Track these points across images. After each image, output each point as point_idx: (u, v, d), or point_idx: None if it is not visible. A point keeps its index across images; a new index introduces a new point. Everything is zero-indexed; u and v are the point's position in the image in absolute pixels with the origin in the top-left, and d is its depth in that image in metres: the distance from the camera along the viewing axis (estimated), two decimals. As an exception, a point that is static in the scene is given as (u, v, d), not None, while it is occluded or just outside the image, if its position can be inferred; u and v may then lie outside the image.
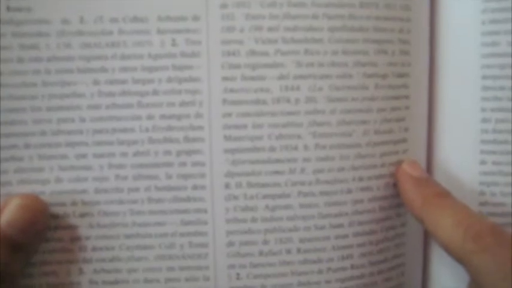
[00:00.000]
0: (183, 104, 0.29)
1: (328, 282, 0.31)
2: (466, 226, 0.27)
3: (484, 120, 0.31)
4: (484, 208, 0.32)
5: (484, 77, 0.31)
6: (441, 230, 0.28)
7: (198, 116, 0.29)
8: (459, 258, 0.27)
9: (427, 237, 0.34)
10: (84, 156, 0.29)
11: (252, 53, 0.29)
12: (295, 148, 0.29)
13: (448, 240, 0.28)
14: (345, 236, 0.31)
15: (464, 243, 0.27)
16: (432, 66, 0.33)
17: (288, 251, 0.30)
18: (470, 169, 0.32)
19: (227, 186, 0.29)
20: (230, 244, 0.30)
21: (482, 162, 0.32)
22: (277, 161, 0.29)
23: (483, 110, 0.31)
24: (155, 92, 0.28)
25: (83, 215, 0.29)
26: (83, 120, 0.28)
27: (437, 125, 0.33)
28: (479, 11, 0.31)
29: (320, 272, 0.30)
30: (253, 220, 0.30)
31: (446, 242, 0.28)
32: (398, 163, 0.31)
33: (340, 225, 0.30)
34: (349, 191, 0.30)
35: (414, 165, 0.31)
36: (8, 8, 0.27)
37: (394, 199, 0.32)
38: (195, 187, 0.29)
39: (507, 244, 0.26)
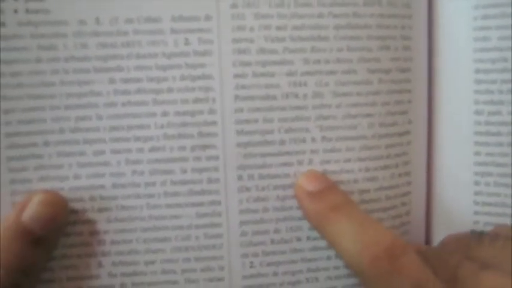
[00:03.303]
0: (196, 100, 0.30)
1: (336, 268, 0.32)
2: (363, 246, 0.27)
3: (477, 113, 0.33)
4: (478, 198, 0.33)
5: (477, 71, 0.32)
6: (338, 249, 0.28)
7: (211, 112, 0.30)
8: (360, 280, 0.27)
9: (429, 225, 0.35)
10: (101, 152, 0.29)
11: (262, 51, 0.30)
12: (303, 141, 0.31)
13: (346, 260, 0.28)
14: (352, 224, 0.32)
15: (361, 265, 0.27)
16: (430, 62, 0.34)
17: (298, 239, 0.31)
18: (466, 159, 0.33)
19: (240, 178, 0.31)
20: (243, 234, 0.31)
21: (477, 153, 0.33)
22: (287, 153, 0.31)
23: (476, 102, 0.33)
24: (169, 90, 0.29)
25: (101, 210, 0.30)
26: (100, 118, 0.29)
27: (436, 118, 0.34)
28: (471, 7, 0.32)
29: (329, 258, 0.32)
30: (265, 210, 0.31)
31: (346, 261, 0.28)
32: (404, 154, 0.33)
33: (347, 214, 0.32)
34: (356, 181, 0.31)
35: (310, 177, 0.30)
36: (27, 10, 0.28)
37: (400, 189, 0.33)
38: (209, 180, 0.30)
39: (401, 270, 0.26)
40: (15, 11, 0.28)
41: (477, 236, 0.30)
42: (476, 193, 0.33)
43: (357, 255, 0.27)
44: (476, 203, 0.33)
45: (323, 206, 0.29)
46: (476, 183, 0.33)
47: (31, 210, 0.28)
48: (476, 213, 0.33)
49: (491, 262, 0.27)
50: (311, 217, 0.30)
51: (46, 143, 0.29)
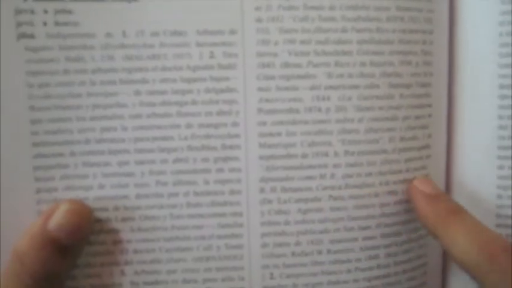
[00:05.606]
0: (220, 113, 0.30)
1: (355, 281, 0.32)
2: (480, 245, 0.28)
3: (501, 127, 0.33)
4: (501, 211, 0.33)
5: (501, 87, 0.32)
6: (455, 248, 0.29)
7: (235, 124, 0.30)
8: (474, 276, 0.28)
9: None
10: (126, 163, 0.30)
11: (286, 65, 0.30)
12: (326, 154, 0.31)
13: (463, 259, 0.28)
14: (372, 238, 0.32)
15: (478, 262, 0.27)
16: (451, 76, 0.34)
17: (319, 252, 0.32)
18: (489, 173, 0.33)
19: (262, 190, 0.31)
20: (264, 245, 0.31)
21: (500, 167, 0.33)
22: (309, 166, 0.31)
23: (500, 117, 0.33)
24: (194, 102, 0.30)
25: (124, 220, 0.30)
26: (125, 129, 0.30)
27: (457, 132, 0.34)
28: (497, 23, 0.32)
29: (348, 271, 0.32)
30: (286, 223, 0.31)
31: (460, 260, 0.28)
32: (423, 168, 0.33)
33: (367, 227, 0.32)
34: (376, 195, 0.32)
35: (425, 182, 0.32)
36: (56, 23, 0.29)
37: None
38: (231, 192, 0.31)
39: None
40: (45, 24, 0.29)
41: None
42: (499, 206, 0.33)
43: (474, 254, 0.28)
44: (498, 216, 0.33)
45: (441, 208, 0.30)
46: (499, 196, 0.33)
47: (57, 219, 0.28)
48: (498, 226, 0.33)
49: None
50: (428, 218, 0.30)
51: (72, 153, 0.30)
